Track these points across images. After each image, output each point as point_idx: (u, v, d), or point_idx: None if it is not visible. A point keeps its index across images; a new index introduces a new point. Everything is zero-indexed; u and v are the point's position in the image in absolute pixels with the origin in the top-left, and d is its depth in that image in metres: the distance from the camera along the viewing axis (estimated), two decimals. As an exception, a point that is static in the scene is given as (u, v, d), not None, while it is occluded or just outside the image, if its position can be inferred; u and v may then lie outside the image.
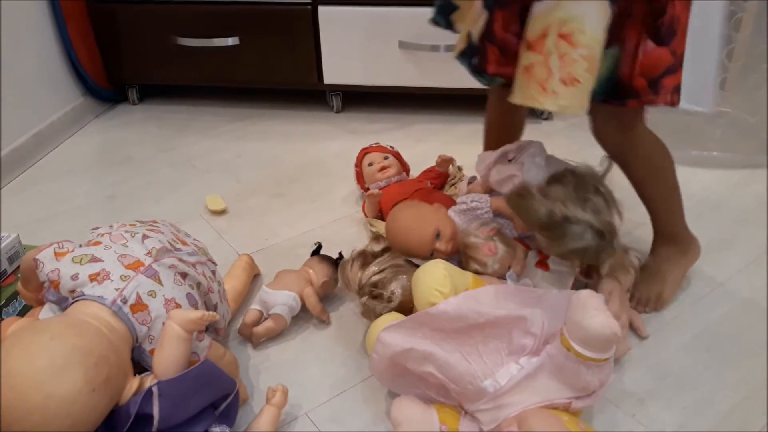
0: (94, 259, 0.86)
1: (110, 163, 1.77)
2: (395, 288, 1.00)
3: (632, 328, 1.09)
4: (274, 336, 1.09)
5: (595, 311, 0.80)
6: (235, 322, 1.12)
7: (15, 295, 1.06)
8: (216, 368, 0.83)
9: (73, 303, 0.82)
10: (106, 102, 2.09)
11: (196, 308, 0.89)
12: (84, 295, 0.82)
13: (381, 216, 1.36)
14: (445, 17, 1.14)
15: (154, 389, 0.76)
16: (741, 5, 1.57)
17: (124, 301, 0.82)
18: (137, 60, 1.98)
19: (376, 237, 1.15)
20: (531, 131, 1.85)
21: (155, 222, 1.01)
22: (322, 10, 1.80)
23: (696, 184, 1.51)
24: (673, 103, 0.96)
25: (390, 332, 0.90)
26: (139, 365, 0.84)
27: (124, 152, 1.80)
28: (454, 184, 1.46)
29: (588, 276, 1.02)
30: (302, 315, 1.12)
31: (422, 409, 0.88)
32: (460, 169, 1.50)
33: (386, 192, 1.36)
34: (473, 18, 1.03)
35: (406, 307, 1.00)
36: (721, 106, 1.69)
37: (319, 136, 1.87)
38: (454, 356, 0.87)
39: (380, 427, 0.93)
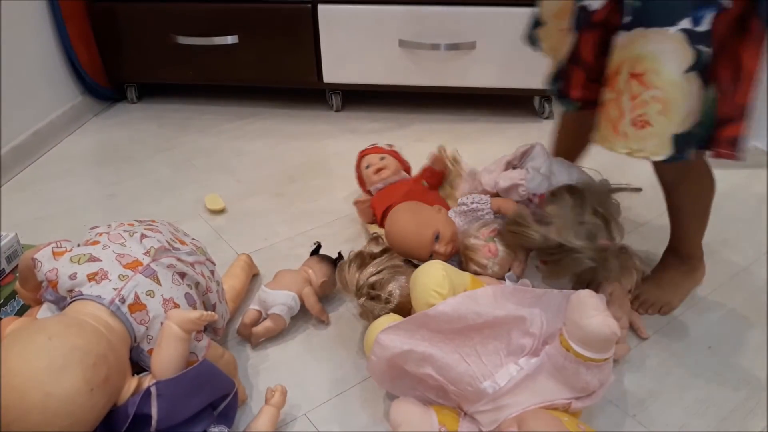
0: (93, 259, 0.85)
1: (109, 162, 1.77)
2: (393, 289, 1.00)
3: (632, 328, 1.09)
4: (273, 336, 1.09)
5: (594, 311, 0.80)
6: (233, 322, 1.12)
7: (13, 294, 1.06)
8: (214, 368, 0.83)
9: (71, 303, 0.82)
10: (105, 101, 2.08)
11: (195, 308, 0.89)
12: (82, 294, 0.82)
13: (376, 221, 1.35)
14: (530, 31, 1.10)
15: (153, 389, 0.76)
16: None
17: (123, 300, 0.82)
18: (136, 58, 1.97)
19: (375, 238, 1.15)
20: (533, 130, 1.87)
21: (154, 221, 1.01)
22: (322, 9, 1.79)
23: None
24: (730, 156, 0.88)
25: (388, 334, 0.90)
26: (138, 365, 0.84)
27: (123, 151, 1.80)
28: (450, 183, 1.44)
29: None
30: (301, 315, 1.12)
31: (421, 410, 0.87)
32: (456, 161, 1.45)
33: (381, 195, 1.34)
34: (560, 39, 0.99)
35: (405, 308, 0.99)
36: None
37: (319, 136, 1.87)
38: (453, 357, 0.87)
39: (379, 428, 0.93)
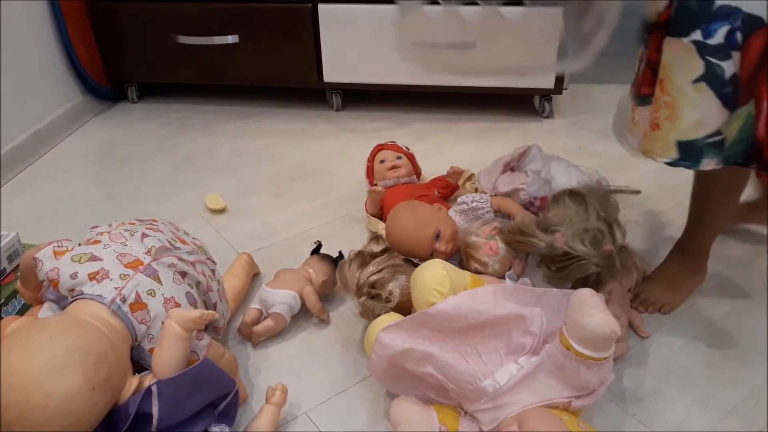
0: (93, 258, 0.86)
1: (109, 161, 1.77)
2: (393, 288, 1.00)
3: (632, 327, 1.09)
4: (274, 335, 1.09)
5: (594, 310, 0.80)
6: (234, 321, 1.12)
7: (14, 293, 1.06)
8: (215, 367, 0.83)
9: (72, 302, 0.82)
10: (106, 100, 2.08)
11: (196, 307, 0.89)
12: (83, 293, 0.82)
13: (382, 215, 1.36)
14: (643, 35, 1.08)
15: (154, 388, 0.76)
16: None
17: (124, 300, 0.82)
18: (137, 58, 1.97)
19: (375, 237, 1.15)
20: (533, 129, 1.87)
21: (154, 221, 1.01)
22: (322, 8, 1.79)
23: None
24: None
25: (389, 333, 0.90)
26: (139, 364, 0.84)
27: (123, 151, 1.80)
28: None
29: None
30: (302, 314, 1.12)
31: (421, 409, 0.87)
32: (470, 178, 1.45)
33: (391, 192, 1.35)
34: None
35: (405, 307, 0.99)
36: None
37: (319, 135, 1.87)
38: (453, 356, 0.87)
39: (380, 427, 0.93)
